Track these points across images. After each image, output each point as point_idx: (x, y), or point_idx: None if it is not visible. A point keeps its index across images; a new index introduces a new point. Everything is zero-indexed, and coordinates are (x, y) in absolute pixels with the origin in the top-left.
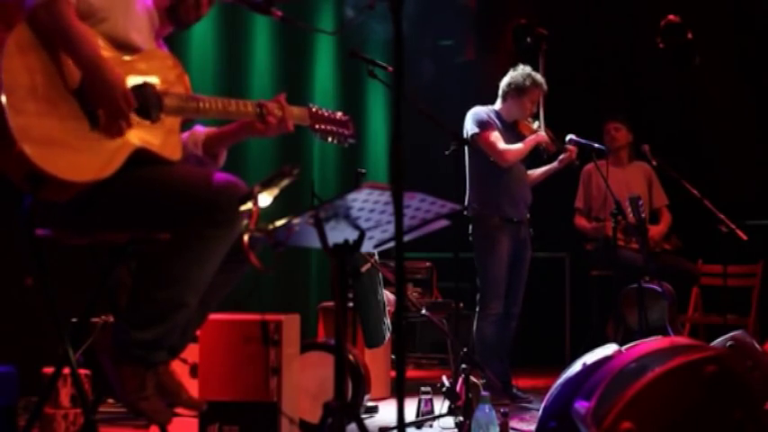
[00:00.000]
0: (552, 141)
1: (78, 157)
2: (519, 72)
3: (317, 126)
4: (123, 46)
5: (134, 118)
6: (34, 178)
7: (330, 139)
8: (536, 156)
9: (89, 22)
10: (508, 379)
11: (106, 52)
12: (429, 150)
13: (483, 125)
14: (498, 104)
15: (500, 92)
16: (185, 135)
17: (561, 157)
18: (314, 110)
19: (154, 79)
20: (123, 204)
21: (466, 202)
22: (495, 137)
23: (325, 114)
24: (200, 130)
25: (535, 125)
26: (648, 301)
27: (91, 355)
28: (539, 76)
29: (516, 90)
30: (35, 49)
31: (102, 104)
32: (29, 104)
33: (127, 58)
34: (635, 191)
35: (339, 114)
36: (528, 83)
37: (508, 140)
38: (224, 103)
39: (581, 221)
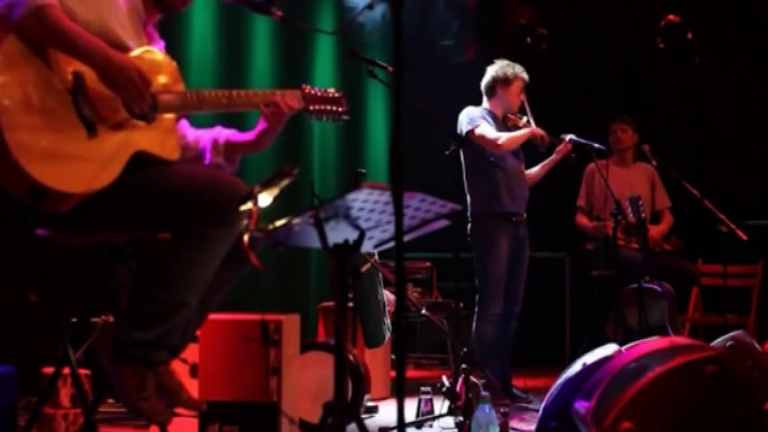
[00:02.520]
0: (546, 135)
1: (78, 167)
2: (499, 66)
3: (311, 107)
4: (113, 46)
5: (130, 120)
6: (36, 192)
7: (325, 119)
8: (534, 153)
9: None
10: (508, 379)
11: None
12: (429, 150)
13: (472, 121)
14: (486, 103)
15: (484, 89)
16: (207, 139)
17: (558, 147)
18: (306, 90)
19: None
20: (123, 206)
21: (468, 204)
22: (485, 128)
23: (318, 94)
24: (221, 135)
25: (524, 120)
26: (648, 301)
27: (91, 355)
28: (517, 66)
29: (503, 82)
30: (26, 61)
31: (122, 89)
32: (24, 119)
33: None
34: (637, 191)
35: (332, 91)
36: (511, 73)
37: None
38: (223, 95)
39: (582, 219)
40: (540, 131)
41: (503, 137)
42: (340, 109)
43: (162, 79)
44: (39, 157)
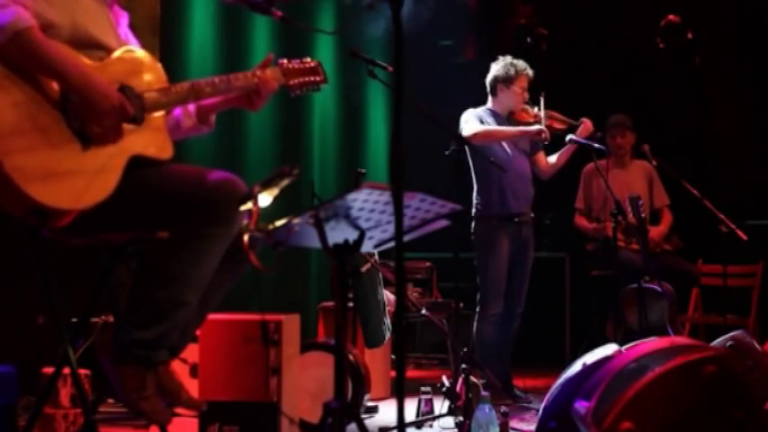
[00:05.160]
0: (561, 121)
1: (77, 182)
2: (501, 64)
3: (291, 82)
4: (91, 46)
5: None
6: (39, 213)
7: (305, 90)
8: (556, 143)
9: (50, 34)
10: (508, 379)
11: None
12: (429, 150)
13: (465, 123)
14: (490, 102)
15: (488, 88)
16: (178, 108)
17: (579, 131)
18: (285, 65)
19: (131, 79)
20: (122, 207)
21: (473, 202)
22: (471, 125)
23: (297, 67)
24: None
25: (534, 110)
26: (648, 301)
27: (91, 355)
28: (521, 62)
29: (504, 81)
30: (11, 82)
31: (100, 117)
32: (18, 142)
33: (99, 62)
34: (636, 191)
35: (308, 61)
36: (513, 72)
37: None
38: (207, 84)
39: (581, 221)
40: (533, 130)
41: (474, 130)
42: (317, 78)
43: (146, 77)
44: (38, 179)
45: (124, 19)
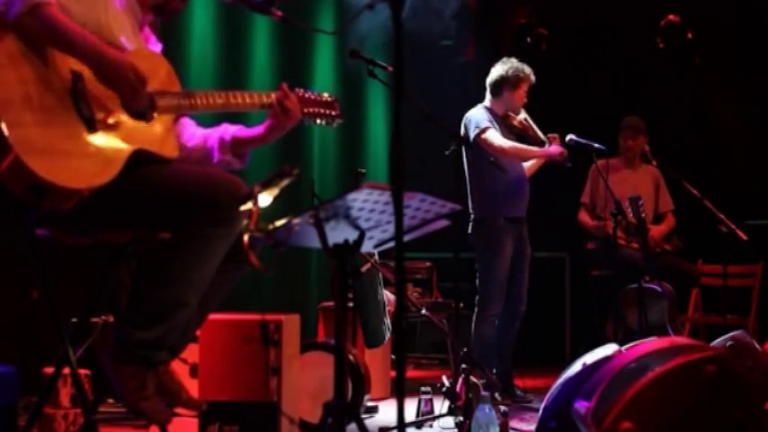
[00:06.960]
0: (535, 133)
1: (79, 163)
2: (509, 66)
3: (304, 110)
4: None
5: (129, 120)
6: (37, 189)
7: (318, 122)
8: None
9: None
10: (510, 378)
11: None
12: (429, 150)
13: (481, 127)
14: (488, 101)
15: (490, 87)
16: (214, 138)
17: (546, 145)
18: (300, 93)
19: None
20: (123, 205)
21: (469, 205)
22: (492, 134)
23: (312, 97)
24: (228, 132)
25: (521, 116)
26: (648, 301)
27: (91, 355)
28: (527, 68)
29: (511, 85)
30: (25, 59)
31: (117, 85)
32: (26, 116)
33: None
34: (642, 193)
35: (325, 96)
36: (521, 76)
37: (502, 135)
38: (219, 96)
39: (584, 217)
40: (556, 151)
41: (507, 145)
42: (333, 113)
43: (158, 79)
44: (40, 153)
45: (156, 47)
